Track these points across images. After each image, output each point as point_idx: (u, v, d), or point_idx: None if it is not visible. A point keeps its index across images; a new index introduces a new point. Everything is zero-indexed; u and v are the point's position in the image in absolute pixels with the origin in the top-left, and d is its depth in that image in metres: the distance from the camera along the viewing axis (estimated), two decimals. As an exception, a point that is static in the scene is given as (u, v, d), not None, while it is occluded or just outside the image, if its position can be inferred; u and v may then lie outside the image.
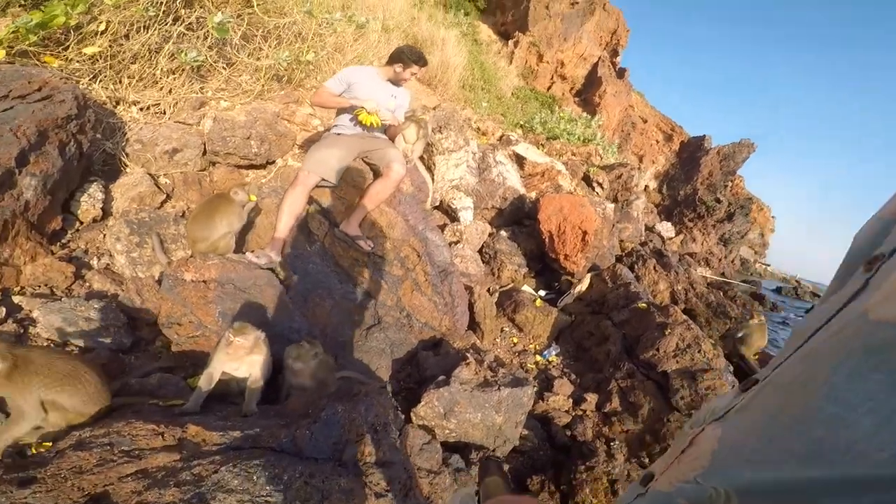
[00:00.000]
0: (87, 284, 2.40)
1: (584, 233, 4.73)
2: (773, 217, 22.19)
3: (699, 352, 2.99)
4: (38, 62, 2.69)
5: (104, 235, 2.62)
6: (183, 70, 3.28)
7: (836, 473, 0.35)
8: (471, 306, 3.54)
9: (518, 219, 5.68)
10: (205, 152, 3.15)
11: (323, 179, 2.74)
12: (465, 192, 4.93)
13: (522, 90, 12.58)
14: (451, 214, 4.81)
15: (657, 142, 17.55)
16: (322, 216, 2.89)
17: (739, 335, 3.87)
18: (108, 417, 1.60)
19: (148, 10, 2.99)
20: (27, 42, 2.61)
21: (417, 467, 1.94)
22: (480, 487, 2.07)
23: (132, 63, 3.10)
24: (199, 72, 3.44)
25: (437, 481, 1.92)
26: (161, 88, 3.21)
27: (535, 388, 2.71)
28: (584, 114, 12.20)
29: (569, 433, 2.75)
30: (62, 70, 2.75)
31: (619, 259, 5.71)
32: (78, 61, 2.88)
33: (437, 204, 4.83)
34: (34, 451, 1.47)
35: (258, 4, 3.69)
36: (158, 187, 2.93)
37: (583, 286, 4.48)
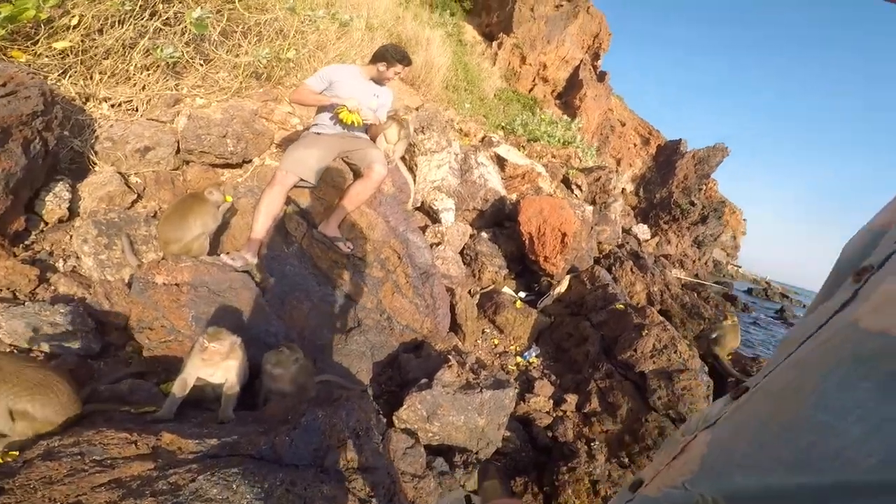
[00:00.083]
0: (53, 288, 2.29)
1: (564, 235, 4.78)
2: (744, 220, 22.90)
3: (675, 352, 3.05)
4: (4, 57, 2.57)
5: (70, 237, 2.52)
6: (158, 66, 3.18)
7: (825, 480, 0.35)
8: (452, 308, 3.53)
9: (499, 220, 5.71)
10: (178, 151, 3.06)
11: (301, 179, 2.69)
12: (446, 194, 4.93)
13: (505, 92, 12.66)
14: (433, 216, 4.80)
15: (635, 145, 17.91)
16: (300, 217, 2.84)
17: (713, 336, 3.97)
18: (78, 425, 1.54)
19: (124, 5, 2.88)
20: (-6, 36, 2.48)
21: (401, 472, 1.92)
22: (479, 491, 2.11)
23: (104, 59, 2.99)
24: (175, 68, 3.34)
25: (421, 485, 1.91)
26: (134, 85, 3.10)
27: (517, 390, 2.72)
28: (565, 116, 12.35)
29: (550, 434, 2.77)
30: (30, 65, 2.63)
31: (597, 261, 5.80)
32: (47, 56, 2.76)
33: (419, 205, 4.82)
34: (0, 460, 1.40)
35: (239, 0, 3.60)
36: (129, 186, 2.83)
37: (562, 288, 4.53)
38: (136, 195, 2.84)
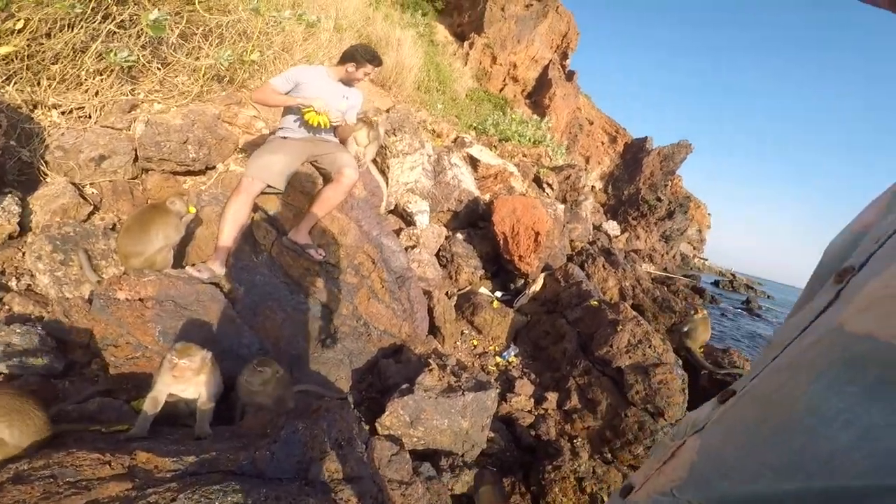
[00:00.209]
0: (7, 308, 2.15)
1: (537, 234, 4.83)
2: (709, 214, 23.79)
3: (650, 347, 3.12)
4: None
5: (23, 253, 2.36)
6: (111, 71, 3.02)
7: (814, 486, 0.35)
8: (430, 311, 3.51)
9: (473, 221, 5.72)
10: (136, 159, 2.92)
11: (268, 186, 2.60)
12: (420, 196, 4.90)
13: (476, 92, 12.73)
14: (407, 218, 4.76)
15: (602, 143, 18.34)
16: (269, 224, 2.76)
17: (685, 329, 4.08)
18: (47, 447, 1.46)
19: (74, 7, 2.72)
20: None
21: (388, 479, 1.89)
22: (475, 497, 2.12)
23: (53, 63, 2.82)
24: (131, 72, 3.18)
25: (409, 492, 1.88)
26: (86, 91, 2.94)
27: (498, 391, 2.73)
28: (535, 116, 12.52)
29: (533, 433, 2.78)
30: (-32, 71, 2.46)
31: (570, 258, 5.90)
32: (-11, 62, 2.59)
33: (392, 208, 4.77)
34: None
35: (200, 1, 3.47)
36: (84, 198, 2.68)
37: (537, 286, 4.58)
38: (92, 207, 2.69)
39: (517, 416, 2.91)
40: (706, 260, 25.93)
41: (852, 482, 0.33)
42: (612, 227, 11.36)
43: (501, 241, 4.93)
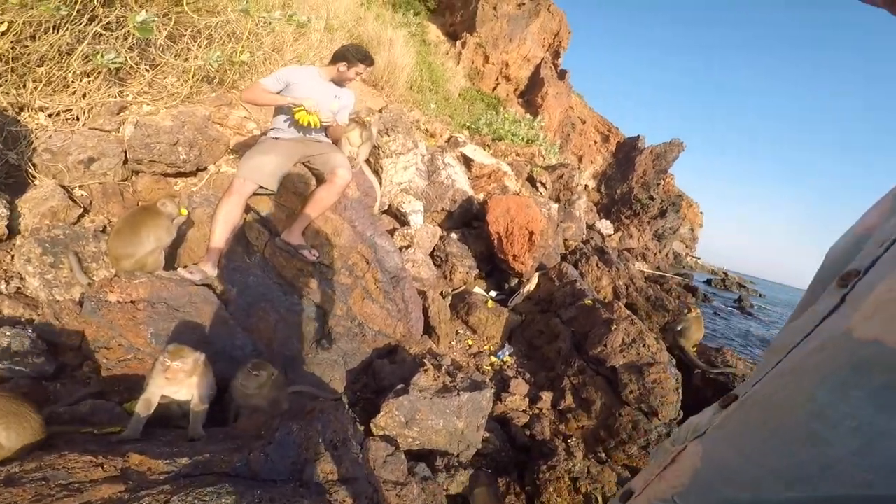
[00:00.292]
0: (-4, 311, 2.13)
1: (531, 233, 4.84)
2: (701, 212, 23.96)
3: (644, 346, 3.13)
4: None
5: (12, 256, 2.34)
6: (99, 73, 2.99)
7: (818, 493, 0.35)
8: (425, 311, 3.50)
9: (467, 220, 5.72)
10: (126, 161, 2.89)
11: (260, 187, 2.59)
12: (414, 196, 4.89)
13: (469, 91, 12.74)
14: (401, 218, 4.75)
15: (595, 142, 18.41)
16: (261, 225, 2.75)
17: (679, 328, 4.09)
18: (38, 449, 1.45)
19: (59, 10, 2.69)
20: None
21: (383, 480, 1.88)
22: (470, 498, 2.13)
23: (39, 66, 2.78)
24: (119, 74, 3.15)
25: (404, 493, 1.87)
26: (73, 93, 2.90)
27: (493, 390, 2.73)
28: (527, 115, 12.54)
29: (528, 433, 2.78)
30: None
31: (563, 257, 5.91)
32: (-27, 66, 2.55)
33: (386, 208, 4.76)
34: None
35: (188, 3, 3.44)
36: (73, 200, 2.65)
37: (531, 286, 4.58)
38: (82, 209, 2.67)
39: (512, 416, 2.91)
40: (699, 258, 26.11)
41: (857, 492, 0.33)
42: (605, 225, 11.41)
43: (496, 241, 4.93)
